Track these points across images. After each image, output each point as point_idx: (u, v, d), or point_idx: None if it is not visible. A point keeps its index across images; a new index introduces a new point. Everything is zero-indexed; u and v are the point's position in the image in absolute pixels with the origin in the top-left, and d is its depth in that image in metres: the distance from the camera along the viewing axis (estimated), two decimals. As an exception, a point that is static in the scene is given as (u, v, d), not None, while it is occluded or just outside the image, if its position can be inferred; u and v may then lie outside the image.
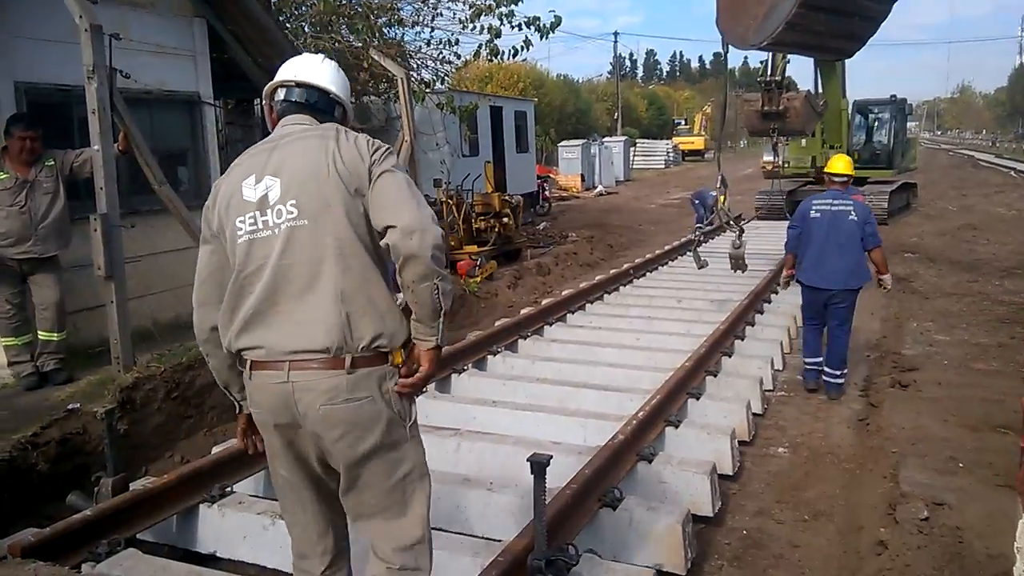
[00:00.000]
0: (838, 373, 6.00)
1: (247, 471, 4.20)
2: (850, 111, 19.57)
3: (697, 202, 13.25)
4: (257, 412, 2.36)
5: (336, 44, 10.15)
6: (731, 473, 4.59)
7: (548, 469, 2.93)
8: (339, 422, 2.22)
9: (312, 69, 2.48)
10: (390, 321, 2.26)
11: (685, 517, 3.59)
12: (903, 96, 20.04)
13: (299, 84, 2.45)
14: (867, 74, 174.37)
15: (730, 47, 8.26)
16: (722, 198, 9.19)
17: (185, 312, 6.84)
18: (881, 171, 19.19)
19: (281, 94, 2.47)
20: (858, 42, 7.98)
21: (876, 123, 20.03)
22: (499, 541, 3.49)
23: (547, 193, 22.09)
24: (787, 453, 5.03)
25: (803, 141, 20.11)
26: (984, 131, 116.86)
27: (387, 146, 2.34)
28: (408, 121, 8.51)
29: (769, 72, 9.45)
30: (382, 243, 2.21)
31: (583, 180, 29.82)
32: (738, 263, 8.73)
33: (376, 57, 9.02)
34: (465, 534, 3.74)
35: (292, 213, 2.23)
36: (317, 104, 2.45)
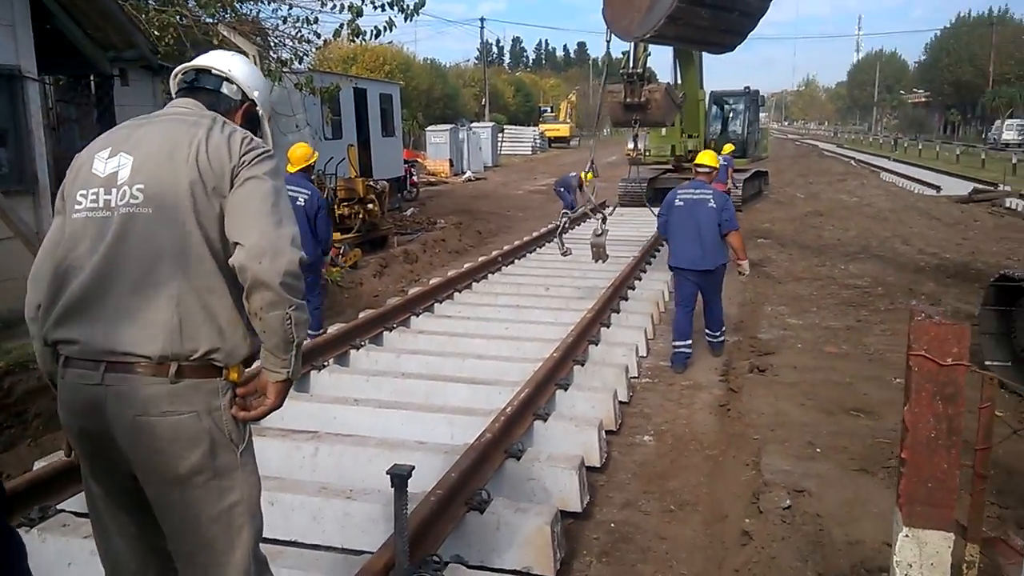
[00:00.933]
0: (717, 333, 6.85)
1: (74, 487, 3.76)
2: (707, 102, 20.33)
3: (562, 189, 13.30)
4: (64, 415, 2.04)
5: (183, 19, 9.44)
6: (599, 465, 4.55)
7: (413, 472, 2.76)
8: (154, 436, 1.92)
9: (218, 57, 2.34)
10: (231, 336, 2.00)
11: (554, 517, 3.49)
12: (756, 88, 21.00)
13: (197, 69, 2.30)
14: (722, 67, 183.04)
15: (613, 37, 8.34)
16: (587, 175, 9.13)
17: (4, 309, 6.18)
18: (736, 160, 20.05)
19: (178, 78, 2.32)
20: (738, 36, 8.24)
21: (731, 113, 20.93)
22: (359, 554, 3.27)
23: (415, 178, 21.74)
24: (652, 441, 5.06)
25: (663, 131, 20.75)
26: (827, 122, 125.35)
27: (265, 150, 2.09)
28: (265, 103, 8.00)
29: (631, 64, 9.56)
30: (229, 262, 1.96)
31: (451, 165, 29.63)
32: (599, 252, 8.47)
33: (226, 33, 8.46)
34: (323, 547, 3.49)
35: (136, 199, 1.97)
36: (206, 87, 2.27)
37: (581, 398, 5.22)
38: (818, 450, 4.54)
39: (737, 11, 7.73)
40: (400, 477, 2.63)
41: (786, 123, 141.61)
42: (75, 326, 1.95)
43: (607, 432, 4.93)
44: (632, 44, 8.45)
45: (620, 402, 5.44)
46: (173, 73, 2.37)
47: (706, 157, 6.87)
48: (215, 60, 2.31)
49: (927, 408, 1.54)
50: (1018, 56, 61.29)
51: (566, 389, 5.26)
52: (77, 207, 2.02)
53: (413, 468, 2.75)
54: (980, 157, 34.88)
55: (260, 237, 1.92)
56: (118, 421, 1.92)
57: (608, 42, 8.68)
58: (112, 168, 2.02)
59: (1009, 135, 49.75)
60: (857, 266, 10.75)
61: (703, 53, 18.15)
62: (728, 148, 17.03)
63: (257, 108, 2.32)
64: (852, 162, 37.42)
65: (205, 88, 2.27)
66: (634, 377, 6.16)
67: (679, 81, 19.95)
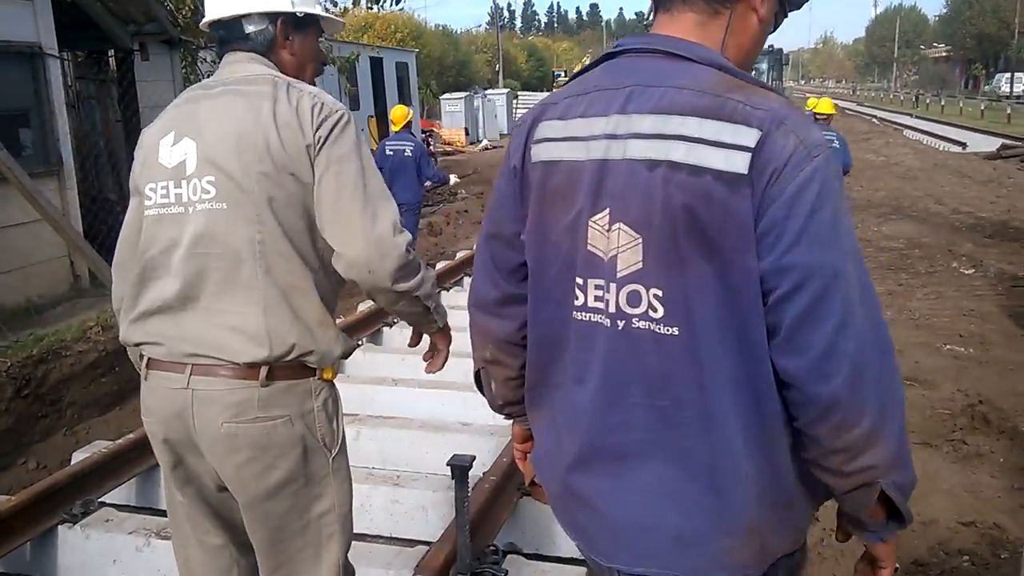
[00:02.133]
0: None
1: (115, 479, 3.68)
2: (730, 61, 19.97)
3: None
4: (148, 421, 1.89)
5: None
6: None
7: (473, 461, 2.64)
8: (244, 445, 1.77)
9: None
10: (322, 337, 1.83)
11: (610, 501, 3.37)
12: (779, 47, 20.56)
13: (214, 23, 1.93)
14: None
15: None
16: None
17: (35, 295, 6.11)
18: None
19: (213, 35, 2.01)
20: None
21: (755, 72, 20.50)
22: (412, 544, 3.17)
23: (432, 148, 21.50)
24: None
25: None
26: (845, 80, 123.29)
27: (341, 111, 1.81)
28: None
29: (651, 17, 9.37)
30: (334, 264, 1.80)
31: (467, 134, 29.27)
32: None
33: (243, 3, 8.23)
34: (372, 537, 3.39)
35: (209, 193, 1.76)
36: (238, 37, 1.90)
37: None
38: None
39: None
40: (461, 468, 2.51)
41: (803, 82, 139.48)
42: (159, 327, 1.81)
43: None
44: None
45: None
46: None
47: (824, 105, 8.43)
48: (222, 4, 1.90)
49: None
50: (1044, 6, 59.66)
51: (608, 364, 5.12)
52: (148, 202, 1.84)
53: (474, 458, 2.62)
54: (1006, 112, 34.10)
55: (361, 246, 1.73)
56: (205, 428, 1.77)
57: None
58: (179, 157, 1.81)
59: (1014, 87, 52.35)
60: (891, 227, 10.50)
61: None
62: (812, 103, 16.86)
63: (298, 11, 1.90)
64: (874, 120, 36.71)
65: (239, 38, 1.90)
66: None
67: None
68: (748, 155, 1.08)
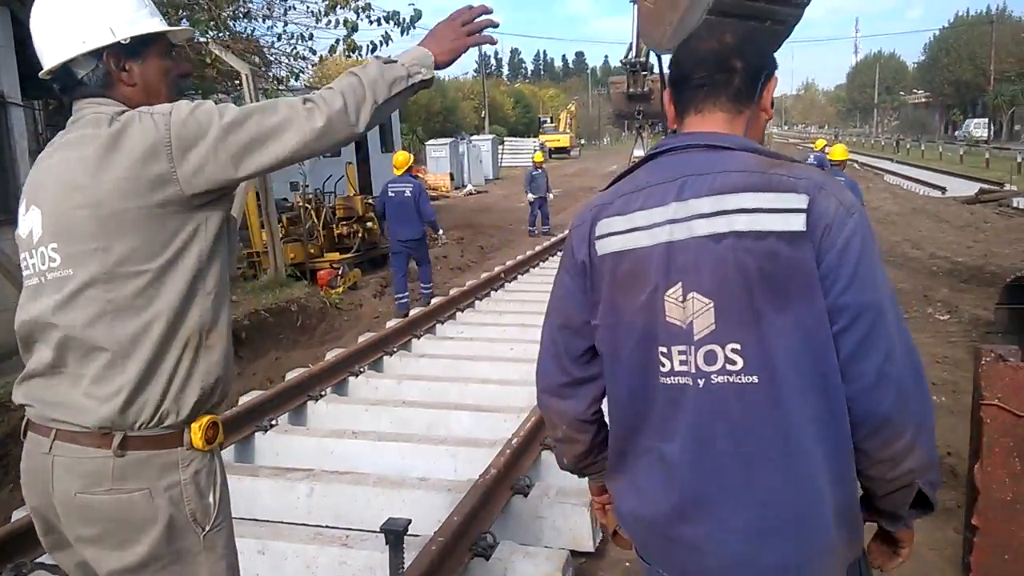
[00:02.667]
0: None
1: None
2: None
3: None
4: (23, 483, 1.79)
5: (174, 38, 9.25)
6: (612, 497, 4.29)
7: (411, 513, 2.53)
8: (99, 517, 1.65)
9: (42, 39, 1.73)
10: (183, 396, 1.68)
11: (565, 561, 3.25)
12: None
13: (48, 77, 1.77)
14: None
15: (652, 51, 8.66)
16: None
17: (-6, 345, 5.93)
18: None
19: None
20: (772, 45, 8.18)
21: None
22: (356, 609, 3.03)
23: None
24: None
25: (664, 137, 20.61)
26: (827, 125, 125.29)
27: (172, 109, 1.63)
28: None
29: (633, 54, 9.41)
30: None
31: (452, 179, 29.45)
32: None
33: (217, 52, 8.27)
34: (317, 602, 3.25)
35: (55, 261, 1.65)
36: (80, 82, 1.72)
37: (590, 424, 4.97)
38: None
39: (770, 20, 7.61)
40: (395, 534, 2.39)
41: (786, 127, 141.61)
42: (35, 390, 1.73)
43: (619, 460, 4.69)
44: (634, 32, 8.40)
45: (631, 426, 5.20)
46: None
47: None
48: (47, 54, 1.72)
49: (1002, 467, 1.30)
50: (1018, 54, 61.06)
51: (574, 415, 5.01)
52: (25, 272, 1.76)
53: (409, 522, 2.51)
54: (984, 157, 34.60)
55: (303, 141, 1.65)
56: (62, 496, 1.66)
57: (646, 57, 8.85)
58: (28, 226, 1.71)
59: (978, 132, 57.21)
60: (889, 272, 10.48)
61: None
62: (821, 143, 17.06)
63: (121, 39, 1.68)
64: (855, 165, 37.16)
65: (74, 85, 1.72)
66: (645, 398, 5.90)
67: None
68: (803, 215, 1.29)
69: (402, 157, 9.48)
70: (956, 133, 62.80)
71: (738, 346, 1.30)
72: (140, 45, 1.74)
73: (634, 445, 1.46)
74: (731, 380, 1.31)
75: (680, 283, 1.34)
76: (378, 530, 2.48)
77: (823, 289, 1.28)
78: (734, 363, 1.30)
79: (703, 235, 1.33)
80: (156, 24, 1.77)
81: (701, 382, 1.33)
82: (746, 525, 1.34)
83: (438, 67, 1.80)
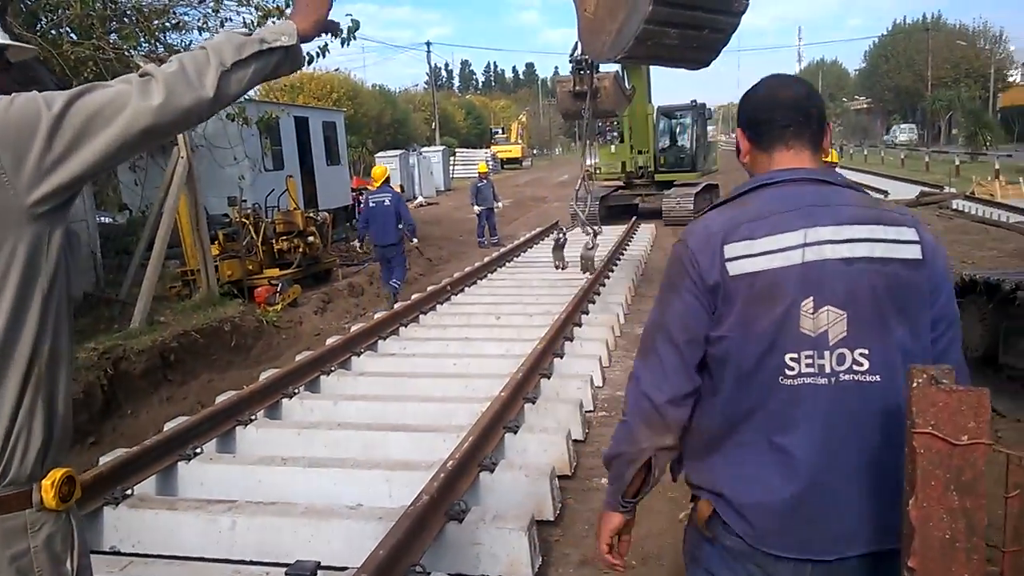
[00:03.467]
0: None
1: None
2: (655, 116, 20.24)
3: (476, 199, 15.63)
4: None
5: (100, 52, 8.89)
6: (552, 518, 4.13)
7: (340, 545, 2.32)
8: None
9: None
10: (25, 455, 1.45)
11: (500, 593, 3.07)
12: (702, 101, 20.97)
13: None
14: (666, 82, 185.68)
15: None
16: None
17: None
18: (687, 174, 19.96)
19: None
20: (712, 52, 8.10)
21: (679, 127, 20.84)
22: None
23: (362, 207, 21.22)
24: (612, 485, 4.65)
25: (612, 147, 20.64)
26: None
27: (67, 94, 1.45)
28: (183, 135, 7.52)
29: (579, 50, 9.34)
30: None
31: (403, 191, 29.12)
32: (587, 264, 9.51)
33: (141, 63, 7.93)
34: (232, 648, 3.01)
35: None
36: None
37: (532, 441, 4.80)
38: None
39: (707, 29, 7.58)
40: (301, 579, 2.18)
41: (734, 135, 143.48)
42: None
43: (561, 477, 4.53)
44: (577, 31, 8.36)
45: (575, 441, 5.05)
46: None
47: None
48: None
49: (939, 502, 1.16)
50: (953, 60, 62.97)
51: (515, 432, 4.84)
52: None
53: (318, 564, 2.31)
54: (924, 160, 35.48)
55: (150, 113, 1.45)
56: None
57: (594, 65, 8.90)
58: None
59: (902, 136, 62.77)
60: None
61: (650, 68, 18.09)
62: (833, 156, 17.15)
63: None
64: (801, 170, 37.73)
65: None
66: (589, 411, 5.77)
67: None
68: (919, 246, 1.61)
69: (379, 170, 11.21)
70: (884, 138, 65.49)
71: (866, 351, 1.57)
72: None
73: (733, 438, 1.67)
74: (856, 379, 1.57)
75: (812, 298, 1.58)
76: (297, 558, 2.26)
77: (931, 302, 1.62)
78: (860, 365, 1.57)
79: (834, 258, 1.58)
80: None
81: (832, 380, 1.57)
82: (862, 498, 1.57)
83: (303, 38, 1.66)
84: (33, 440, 1.46)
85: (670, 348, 1.72)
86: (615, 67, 10.62)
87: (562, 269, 10.15)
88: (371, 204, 10.36)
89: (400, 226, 10.24)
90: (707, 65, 8.59)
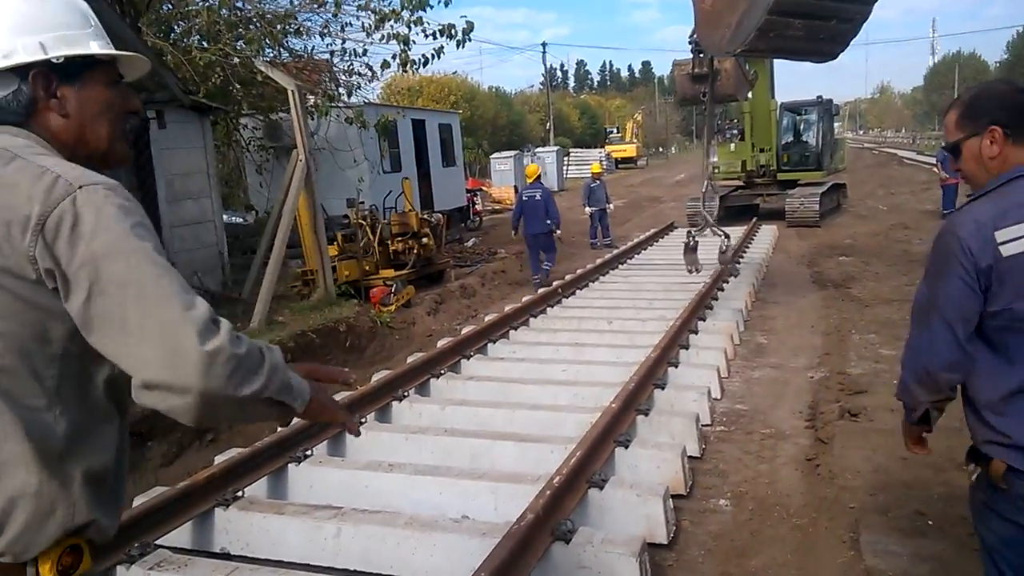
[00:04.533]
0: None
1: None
2: (778, 113, 19.41)
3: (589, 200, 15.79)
4: None
5: (227, 56, 9.25)
6: (665, 542, 3.90)
7: (442, 560, 2.19)
8: None
9: None
10: (27, 518, 1.31)
11: (608, 624, 2.88)
12: (828, 97, 19.95)
13: None
14: (789, 77, 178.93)
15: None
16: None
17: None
18: (811, 172, 19.04)
19: None
20: (840, 44, 7.63)
21: (804, 124, 19.90)
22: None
23: (478, 207, 21.39)
24: (729, 507, 4.37)
25: (732, 145, 19.92)
26: (904, 129, 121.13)
27: (94, 184, 1.30)
28: (301, 136, 7.69)
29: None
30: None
31: (516, 191, 29.21)
32: (729, 268, 9.37)
33: (263, 68, 8.19)
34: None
35: None
36: None
37: (644, 457, 4.57)
38: (930, 522, 3.78)
39: (835, 19, 7.10)
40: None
41: (861, 132, 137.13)
42: None
43: (676, 497, 4.28)
44: (694, 24, 8.02)
45: (690, 457, 4.78)
46: None
47: None
48: None
49: None
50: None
51: (627, 447, 4.62)
52: None
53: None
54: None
55: (158, 364, 1.24)
56: None
57: (706, 61, 8.61)
58: None
59: None
60: (953, 284, 9.75)
61: (774, 62, 17.36)
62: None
63: (53, 57, 1.39)
64: (935, 169, 35.45)
65: None
66: (706, 425, 5.47)
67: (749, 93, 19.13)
68: None
69: (532, 168, 12.76)
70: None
71: None
72: (79, 69, 1.43)
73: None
74: None
75: None
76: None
77: None
78: None
79: None
80: (101, 47, 1.46)
81: None
82: None
83: (306, 412, 1.48)
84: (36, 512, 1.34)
85: (943, 326, 2.00)
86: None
87: (696, 272, 9.80)
88: (524, 198, 11.83)
89: (548, 221, 11.54)
90: (835, 58, 8.06)
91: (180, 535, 3.89)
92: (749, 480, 4.67)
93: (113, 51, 1.48)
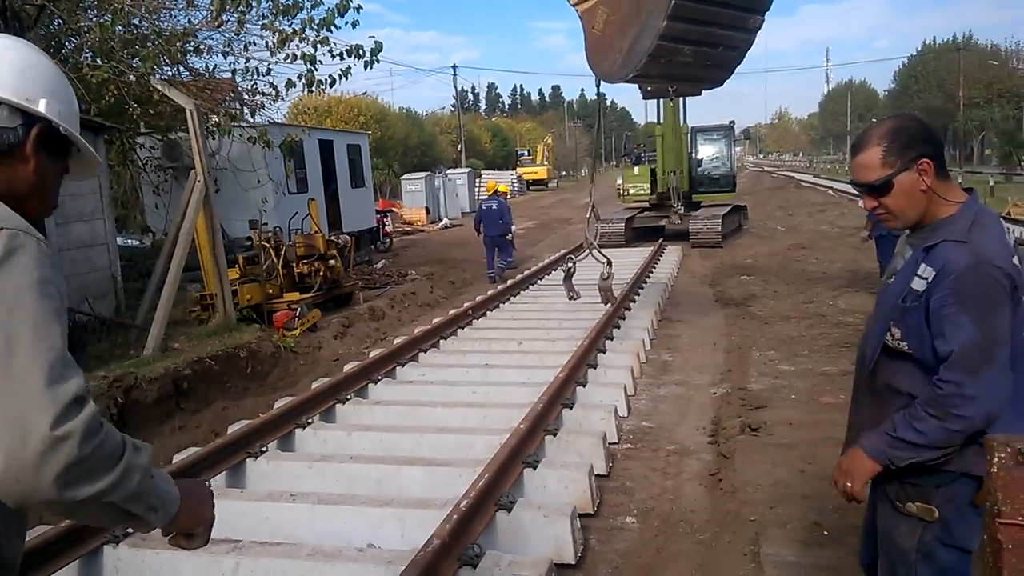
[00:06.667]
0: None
1: None
2: (690, 136, 20.03)
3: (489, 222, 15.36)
4: None
5: (121, 75, 8.87)
6: (573, 562, 3.89)
7: None
8: None
9: None
10: None
11: (513, 650, 2.84)
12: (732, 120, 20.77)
13: None
14: (694, 102, 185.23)
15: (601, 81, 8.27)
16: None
17: None
18: (725, 194, 19.77)
19: None
20: (726, 71, 7.85)
21: (712, 148, 20.63)
22: None
23: (388, 228, 21.18)
24: (636, 524, 4.40)
25: (636, 169, 20.46)
26: (801, 153, 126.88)
27: (17, 230, 1.29)
28: (200, 156, 7.43)
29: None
30: None
31: (428, 213, 29.13)
32: (607, 295, 8.86)
33: (159, 87, 7.90)
34: None
35: None
36: None
37: (552, 477, 4.57)
38: (826, 532, 3.90)
39: (721, 46, 7.35)
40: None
41: (761, 155, 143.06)
42: None
43: (584, 516, 4.29)
44: (585, 50, 8.11)
45: (598, 476, 4.80)
46: None
47: None
48: None
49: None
50: (985, 80, 61.98)
51: (535, 467, 4.61)
52: None
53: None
54: (958, 181, 34.71)
55: (9, 446, 1.14)
56: None
57: (598, 87, 8.60)
58: None
59: None
60: (847, 300, 10.21)
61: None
62: None
63: (58, 125, 1.46)
64: (830, 191, 37.25)
65: None
66: (613, 443, 5.52)
67: (661, 117, 19.67)
68: None
69: (491, 184, 16.69)
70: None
71: None
72: (63, 149, 1.53)
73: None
74: None
75: None
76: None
77: None
78: None
79: None
80: (85, 145, 1.57)
81: None
82: None
83: (172, 525, 1.46)
84: None
85: (999, 366, 1.90)
86: (646, 113, 10.42)
87: (576, 299, 9.56)
88: (483, 207, 14.79)
89: (501, 221, 14.31)
90: (720, 84, 8.35)
91: (65, 576, 3.65)
92: (655, 497, 4.73)
93: (93, 152, 1.62)
